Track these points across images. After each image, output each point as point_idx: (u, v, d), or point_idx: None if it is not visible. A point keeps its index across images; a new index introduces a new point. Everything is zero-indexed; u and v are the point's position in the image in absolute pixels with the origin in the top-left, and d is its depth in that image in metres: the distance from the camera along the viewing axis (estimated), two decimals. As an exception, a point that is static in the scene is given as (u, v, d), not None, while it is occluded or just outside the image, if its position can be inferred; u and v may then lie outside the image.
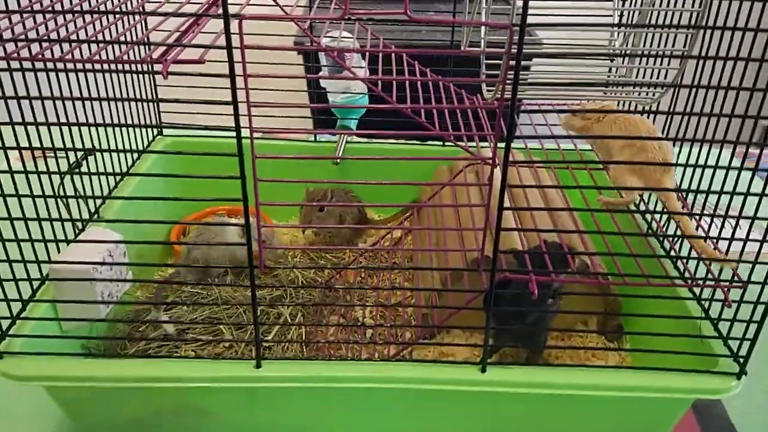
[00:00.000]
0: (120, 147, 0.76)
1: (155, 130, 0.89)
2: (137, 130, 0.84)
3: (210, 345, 0.65)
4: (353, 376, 0.54)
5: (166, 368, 0.54)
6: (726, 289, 0.53)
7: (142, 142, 0.86)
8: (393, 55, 0.72)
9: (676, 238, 0.64)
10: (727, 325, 0.56)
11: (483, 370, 0.54)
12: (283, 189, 0.90)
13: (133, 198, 0.75)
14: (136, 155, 0.83)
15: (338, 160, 0.88)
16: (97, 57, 0.45)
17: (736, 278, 0.54)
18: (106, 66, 0.63)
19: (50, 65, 0.55)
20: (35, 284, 0.60)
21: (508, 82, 0.43)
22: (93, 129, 0.69)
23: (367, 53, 0.73)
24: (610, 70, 0.82)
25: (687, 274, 0.62)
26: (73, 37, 0.45)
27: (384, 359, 0.61)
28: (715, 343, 0.56)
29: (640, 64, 0.69)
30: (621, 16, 0.80)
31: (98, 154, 0.71)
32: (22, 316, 0.57)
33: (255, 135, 0.45)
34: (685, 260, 0.58)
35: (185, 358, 0.62)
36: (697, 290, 0.60)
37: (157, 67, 0.44)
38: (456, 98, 0.77)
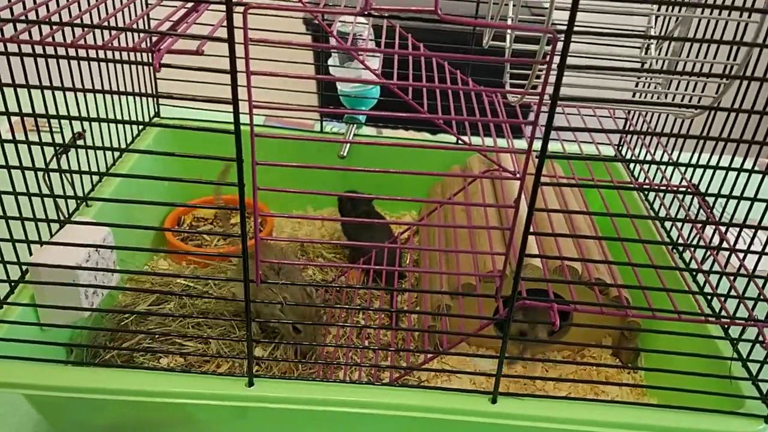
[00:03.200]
0: (114, 128, 0.72)
1: (152, 111, 0.84)
2: (133, 111, 0.78)
3: (199, 348, 0.61)
4: (351, 400, 0.49)
5: (152, 381, 0.50)
6: (762, 327, 0.49)
7: (137, 123, 0.81)
8: (409, 46, 0.67)
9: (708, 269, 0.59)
10: (757, 365, 0.51)
11: (494, 401, 0.50)
12: (285, 180, 0.86)
13: (128, 176, 0.71)
14: (131, 137, 0.78)
15: (344, 153, 0.83)
16: (81, 42, 0.40)
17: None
18: (93, 53, 0.58)
19: (28, 50, 0.50)
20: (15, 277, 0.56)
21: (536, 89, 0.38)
22: (85, 109, 0.64)
23: (382, 41, 0.68)
24: (637, 84, 0.77)
25: (718, 310, 0.57)
26: (57, 19, 0.40)
27: (386, 383, 0.57)
28: (743, 383, 0.52)
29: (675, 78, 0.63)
30: (656, 24, 0.75)
31: (91, 136, 0.66)
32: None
33: (256, 121, 0.40)
34: (721, 298, 0.53)
35: (171, 371, 0.58)
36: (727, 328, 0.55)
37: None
38: (475, 94, 0.71)
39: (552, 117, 0.39)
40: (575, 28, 0.36)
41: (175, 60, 0.39)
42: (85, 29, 0.40)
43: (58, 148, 0.60)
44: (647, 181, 0.72)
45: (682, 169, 0.67)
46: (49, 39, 0.41)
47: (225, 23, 0.37)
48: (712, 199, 0.64)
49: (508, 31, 0.60)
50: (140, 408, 0.52)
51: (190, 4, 0.41)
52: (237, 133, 0.40)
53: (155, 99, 0.84)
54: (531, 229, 0.42)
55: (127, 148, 0.74)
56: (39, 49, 0.52)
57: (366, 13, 0.36)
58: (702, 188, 0.65)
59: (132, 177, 0.71)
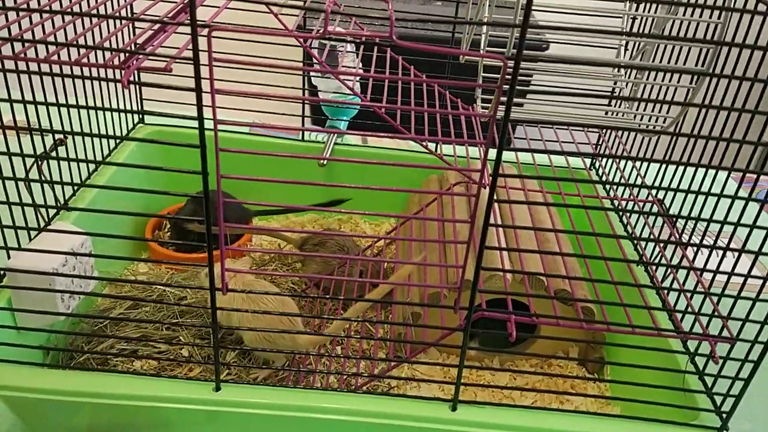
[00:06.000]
0: (98, 131, 0.73)
1: (137, 117, 0.86)
2: (117, 117, 0.80)
3: (171, 349, 0.63)
4: (316, 406, 0.51)
5: (124, 384, 0.52)
6: (714, 342, 0.50)
7: (121, 129, 0.82)
8: (388, 57, 0.68)
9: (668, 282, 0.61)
10: (712, 378, 0.53)
11: (453, 409, 0.51)
12: (268, 189, 0.88)
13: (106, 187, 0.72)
14: (113, 143, 0.80)
15: (324, 162, 0.84)
16: (55, 57, 0.41)
17: (726, 333, 0.51)
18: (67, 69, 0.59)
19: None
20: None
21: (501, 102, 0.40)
22: (67, 115, 0.66)
23: (361, 52, 0.69)
24: (614, 87, 0.78)
25: (673, 324, 0.59)
26: (32, 36, 0.41)
27: (351, 390, 0.58)
28: (699, 396, 0.54)
29: (648, 79, 0.65)
30: (632, 25, 0.76)
31: (73, 142, 0.68)
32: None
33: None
34: (677, 313, 0.54)
35: (143, 374, 0.59)
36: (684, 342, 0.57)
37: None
38: (451, 106, 0.73)
39: (503, 136, 0.41)
40: (524, 53, 0.38)
41: (145, 77, 0.41)
42: (58, 47, 0.42)
43: (39, 154, 0.62)
44: (614, 194, 0.73)
45: (648, 184, 0.68)
46: (22, 55, 0.42)
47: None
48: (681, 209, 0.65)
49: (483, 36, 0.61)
50: (114, 411, 0.53)
51: (158, 25, 0.43)
52: (203, 149, 0.42)
53: (139, 106, 0.86)
54: (486, 243, 0.44)
55: (105, 160, 0.75)
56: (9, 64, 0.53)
57: (326, 37, 0.38)
58: (670, 196, 0.67)
59: (110, 188, 0.72)
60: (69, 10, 0.43)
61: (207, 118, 0.41)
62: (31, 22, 0.45)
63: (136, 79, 0.40)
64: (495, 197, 0.43)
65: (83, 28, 0.47)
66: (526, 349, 0.69)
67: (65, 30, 0.46)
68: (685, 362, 0.56)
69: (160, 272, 0.79)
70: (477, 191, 0.43)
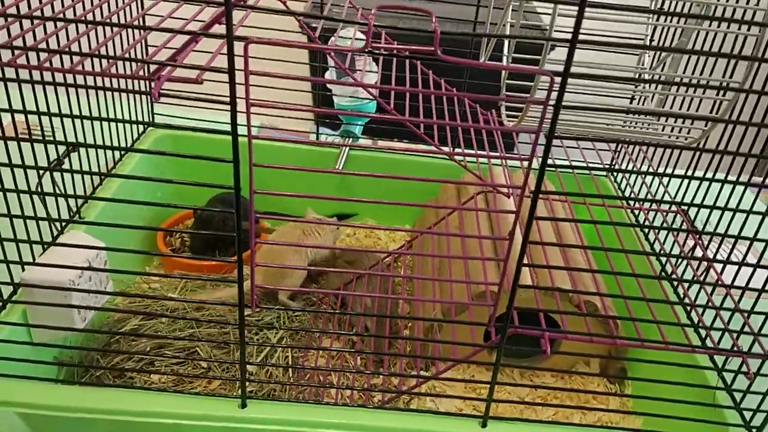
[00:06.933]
0: (108, 136, 0.72)
1: (146, 119, 0.84)
2: (128, 116, 0.78)
3: (190, 365, 0.61)
4: (343, 423, 0.50)
5: (144, 401, 0.50)
6: (747, 359, 0.50)
7: (132, 132, 0.80)
8: (407, 61, 0.67)
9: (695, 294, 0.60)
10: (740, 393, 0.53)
11: (484, 425, 0.50)
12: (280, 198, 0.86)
13: (116, 199, 0.70)
14: (130, 140, 0.78)
15: (340, 167, 0.83)
16: (80, 68, 0.40)
17: (760, 350, 0.50)
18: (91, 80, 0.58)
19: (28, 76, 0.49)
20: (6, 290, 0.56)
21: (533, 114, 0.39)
22: (78, 119, 0.64)
23: (380, 57, 0.68)
24: (632, 99, 0.77)
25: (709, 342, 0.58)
26: (61, 46, 0.40)
27: (377, 406, 0.57)
28: (727, 411, 0.54)
29: (676, 92, 0.64)
30: (654, 33, 0.75)
31: (86, 151, 0.66)
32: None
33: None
34: (708, 329, 0.54)
35: (163, 390, 0.57)
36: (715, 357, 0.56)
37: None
38: (471, 112, 0.72)
39: (548, 152, 0.40)
40: (572, 70, 0.37)
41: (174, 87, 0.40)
42: (82, 56, 0.40)
43: (50, 162, 0.60)
44: (635, 195, 0.73)
45: (674, 195, 0.68)
46: (47, 64, 0.41)
47: (223, 51, 0.37)
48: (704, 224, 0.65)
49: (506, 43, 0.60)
50: (133, 428, 0.52)
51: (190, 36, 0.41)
52: (236, 164, 0.41)
53: (150, 106, 0.84)
54: (525, 260, 0.43)
55: (116, 172, 0.74)
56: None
57: (367, 50, 0.37)
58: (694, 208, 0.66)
59: (118, 201, 0.70)
60: (95, 19, 0.42)
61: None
62: (45, 31, 0.43)
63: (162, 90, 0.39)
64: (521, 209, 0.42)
65: (101, 37, 0.45)
66: (543, 361, 0.69)
67: (82, 40, 0.44)
68: (715, 378, 0.56)
69: (172, 280, 0.77)
70: (517, 208, 0.42)
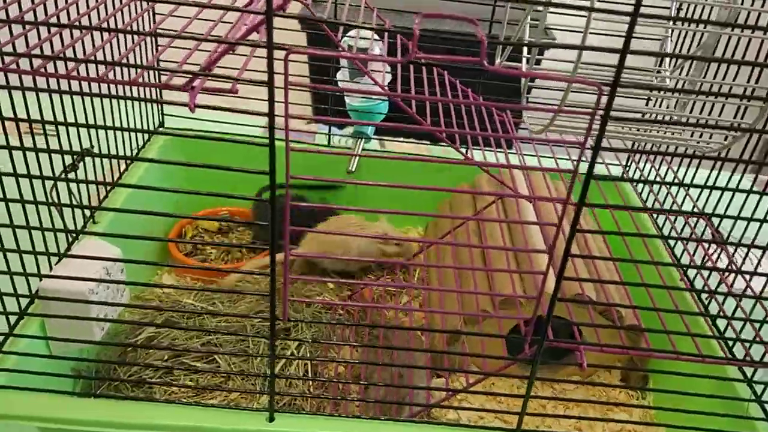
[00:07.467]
0: (120, 138, 0.70)
1: (157, 120, 0.82)
2: (137, 123, 0.76)
3: (210, 374, 0.60)
4: (373, 437, 0.49)
5: (168, 414, 0.49)
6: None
7: (143, 135, 0.79)
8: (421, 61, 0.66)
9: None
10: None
11: (516, 438, 0.50)
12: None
13: (127, 211, 0.69)
14: (136, 149, 0.77)
15: (353, 168, 0.82)
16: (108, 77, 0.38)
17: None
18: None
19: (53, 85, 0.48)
20: (23, 301, 0.54)
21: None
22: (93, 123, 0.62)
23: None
24: (648, 101, 0.77)
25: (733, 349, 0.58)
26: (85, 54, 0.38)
27: (405, 419, 0.56)
28: (759, 423, 0.53)
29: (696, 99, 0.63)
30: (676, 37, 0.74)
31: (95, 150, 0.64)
32: (4, 349, 0.51)
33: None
34: (744, 342, 0.53)
35: (187, 404, 0.56)
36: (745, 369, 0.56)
37: (180, 95, 0.37)
38: (487, 113, 0.71)
39: (593, 164, 0.39)
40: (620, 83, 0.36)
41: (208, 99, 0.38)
42: (108, 66, 0.38)
43: (67, 165, 0.58)
44: (666, 217, 0.72)
45: (698, 203, 0.67)
46: (74, 73, 0.39)
47: (261, 62, 0.36)
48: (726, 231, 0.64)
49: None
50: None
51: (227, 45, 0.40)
52: (272, 175, 0.39)
53: (160, 108, 0.82)
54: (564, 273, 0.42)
55: (116, 182, 0.72)
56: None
57: (408, 62, 0.36)
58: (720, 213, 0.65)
59: (125, 212, 0.69)
60: (124, 28, 0.40)
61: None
62: (61, 41, 0.42)
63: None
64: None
65: (124, 46, 0.44)
66: (560, 370, 0.68)
67: (111, 46, 0.43)
68: (748, 391, 0.55)
69: (184, 283, 0.76)
70: (559, 220, 0.41)
